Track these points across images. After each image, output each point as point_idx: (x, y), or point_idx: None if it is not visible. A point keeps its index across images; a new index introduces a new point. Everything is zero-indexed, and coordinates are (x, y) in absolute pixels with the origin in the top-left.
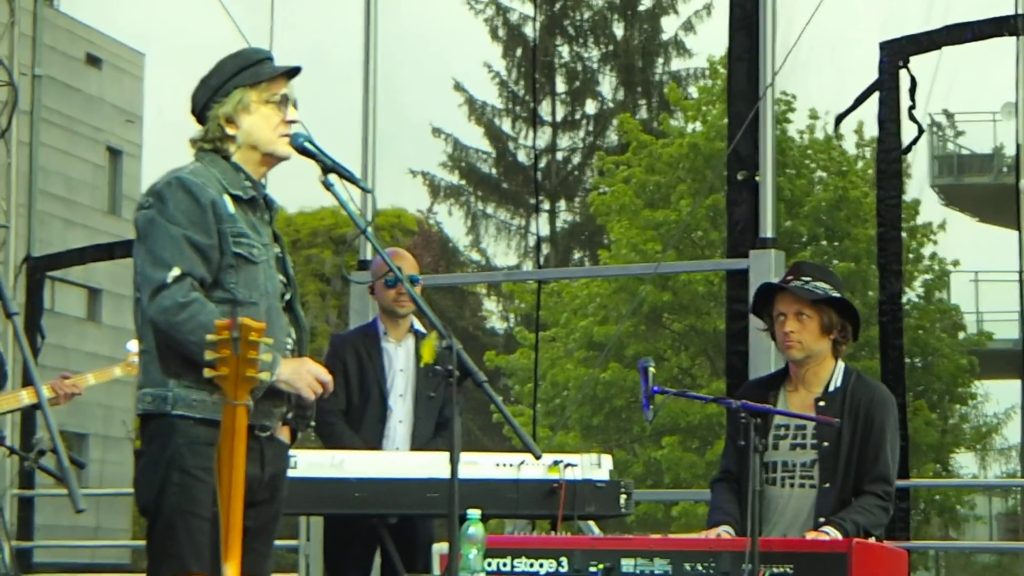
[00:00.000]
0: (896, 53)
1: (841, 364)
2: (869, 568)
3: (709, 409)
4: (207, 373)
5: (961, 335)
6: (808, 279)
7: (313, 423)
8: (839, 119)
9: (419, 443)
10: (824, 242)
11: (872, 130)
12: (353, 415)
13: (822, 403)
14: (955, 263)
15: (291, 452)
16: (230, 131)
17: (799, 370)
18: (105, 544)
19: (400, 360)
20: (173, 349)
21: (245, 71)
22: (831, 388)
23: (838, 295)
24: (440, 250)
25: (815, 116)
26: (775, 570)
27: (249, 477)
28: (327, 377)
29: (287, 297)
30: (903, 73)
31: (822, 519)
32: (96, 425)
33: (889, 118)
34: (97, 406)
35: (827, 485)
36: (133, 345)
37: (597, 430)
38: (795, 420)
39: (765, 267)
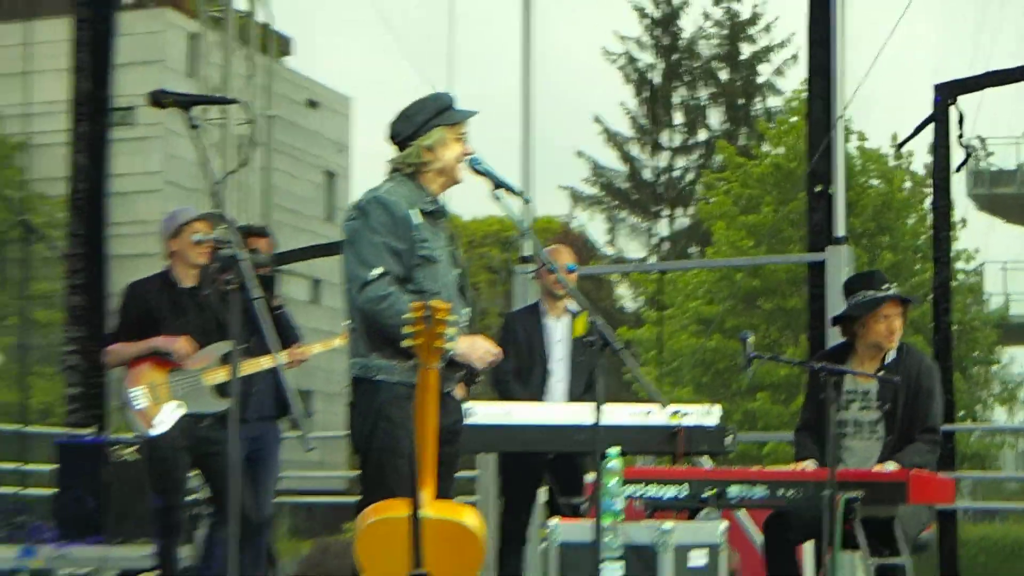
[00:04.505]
0: (948, 93)
1: None
2: (923, 493)
3: (786, 371)
4: (405, 343)
5: (991, 307)
6: (889, 285)
7: (476, 381)
8: (900, 145)
9: (573, 397)
10: (876, 236)
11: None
12: (523, 375)
13: (882, 372)
14: (976, 250)
15: (469, 404)
16: (427, 159)
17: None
18: (327, 475)
19: (558, 333)
20: (376, 330)
21: (443, 113)
22: (887, 360)
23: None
24: (582, 247)
25: (863, 138)
26: (850, 495)
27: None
28: (496, 350)
29: (459, 285)
30: (952, 109)
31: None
32: (319, 383)
33: (941, 144)
34: (319, 369)
35: (889, 437)
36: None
37: (706, 387)
38: (862, 387)
39: (839, 259)
